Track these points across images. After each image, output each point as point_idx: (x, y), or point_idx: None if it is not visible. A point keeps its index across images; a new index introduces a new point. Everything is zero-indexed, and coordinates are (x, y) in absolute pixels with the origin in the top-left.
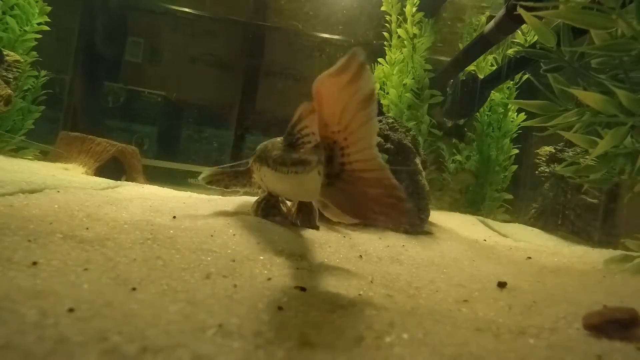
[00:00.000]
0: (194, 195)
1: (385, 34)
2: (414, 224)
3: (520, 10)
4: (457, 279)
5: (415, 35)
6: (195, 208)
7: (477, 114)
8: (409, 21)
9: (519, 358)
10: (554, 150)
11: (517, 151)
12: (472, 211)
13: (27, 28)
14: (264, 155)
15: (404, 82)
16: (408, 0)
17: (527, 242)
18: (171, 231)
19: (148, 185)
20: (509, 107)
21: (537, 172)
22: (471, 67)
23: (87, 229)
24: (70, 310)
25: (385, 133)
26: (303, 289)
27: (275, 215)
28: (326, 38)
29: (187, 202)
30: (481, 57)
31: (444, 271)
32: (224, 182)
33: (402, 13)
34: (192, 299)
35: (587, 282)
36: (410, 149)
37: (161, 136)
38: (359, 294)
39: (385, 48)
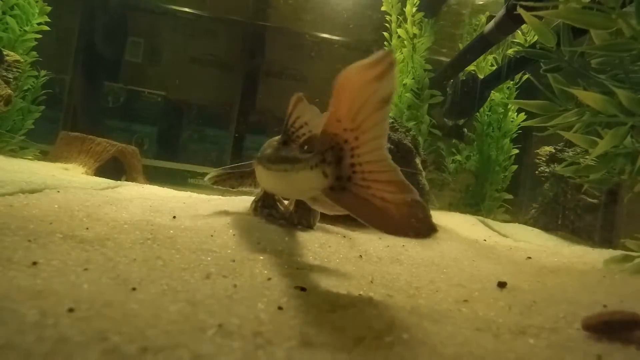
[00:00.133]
0: (194, 195)
1: (385, 34)
2: (427, 235)
3: (520, 10)
4: (457, 279)
5: (415, 36)
6: (195, 208)
7: (477, 114)
8: (409, 21)
9: (519, 358)
10: (554, 150)
11: (517, 151)
12: (472, 211)
13: (27, 28)
14: (259, 155)
15: (404, 82)
16: (408, 0)
17: (527, 242)
18: (171, 231)
19: (148, 185)
20: (509, 107)
21: (537, 172)
22: (471, 67)
23: (87, 229)
24: (70, 310)
25: None
26: (303, 289)
27: (271, 214)
28: (326, 38)
29: (187, 202)
30: (481, 57)
31: (444, 271)
32: (229, 182)
33: (402, 13)
34: (192, 299)
35: (587, 282)
36: (410, 149)
37: (161, 136)
38: (359, 294)
39: (386, 48)
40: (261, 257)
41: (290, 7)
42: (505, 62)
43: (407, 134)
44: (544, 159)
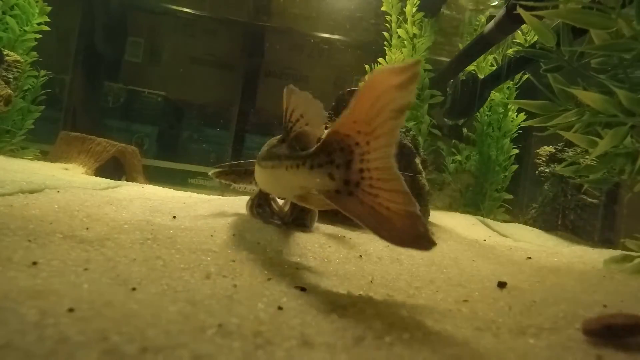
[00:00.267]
0: (194, 195)
1: (385, 34)
2: (428, 248)
3: (519, 10)
4: (457, 279)
5: (415, 35)
6: (195, 208)
7: (477, 114)
8: (409, 21)
9: (519, 358)
10: (554, 150)
11: (517, 151)
12: (472, 211)
13: (27, 28)
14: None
15: None
16: (408, 0)
17: (527, 242)
18: (171, 231)
19: (148, 185)
20: (509, 107)
21: (537, 172)
22: (471, 67)
23: (87, 229)
24: (70, 310)
25: None
26: (303, 289)
27: (265, 213)
28: (326, 38)
29: (187, 202)
30: (481, 57)
31: (444, 271)
32: (231, 177)
33: (402, 13)
34: (192, 299)
35: (587, 282)
36: (410, 149)
37: (161, 136)
38: (359, 294)
39: (385, 48)
40: (261, 257)
41: (290, 7)
42: (505, 62)
43: (407, 134)
44: (544, 159)
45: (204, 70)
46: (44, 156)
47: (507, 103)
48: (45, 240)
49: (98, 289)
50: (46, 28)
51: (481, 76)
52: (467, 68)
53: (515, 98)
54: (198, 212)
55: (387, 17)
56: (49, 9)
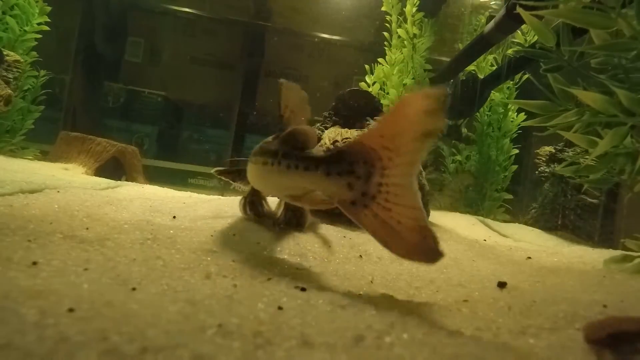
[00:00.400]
0: (194, 195)
1: (385, 34)
2: (435, 261)
3: (519, 10)
4: (457, 279)
5: (415, 35)
6: (195, 208)
7: (477, 114)
8: (409, 21)
9: (519, 358)
10: (554, 150)
11: (517, 151)
12: (472, 211)
13: (27, 28)
14: None
15: (404, 82)
16: (408, 0)
17: (527, 242)
18: (171, 231)
19: (148, 185)
20: (509, 107)
21: (537, 172)
22: (471, 67)
23: (87, 229)
24: (70, 310)
25: None
26: (303, 289)
27: (256, 212)
28: (326, 38)
29: (187, 202)
30: (481, 57)
31: (444, 271)
32: (231, 175)
33: (402, 13)
34: (192, 299)
35: (587, 282)
36: None
37: (161, 136)
38: (359, 294)
39: (386, 48)
40: (261, 257)
41: (290, 7)
42: (505, 62)
43: None
44: (544, 159)
45: (204, 70)
46: (44, 156)
47: (507, 103)
48: (45, 240)
49: (98, 289)
50: (46, 28)
51: (481, 76)
52: (467, 68)
53: (515, 98)
54: (198, 212)
55: (387, 17)
56: (49, 9)
